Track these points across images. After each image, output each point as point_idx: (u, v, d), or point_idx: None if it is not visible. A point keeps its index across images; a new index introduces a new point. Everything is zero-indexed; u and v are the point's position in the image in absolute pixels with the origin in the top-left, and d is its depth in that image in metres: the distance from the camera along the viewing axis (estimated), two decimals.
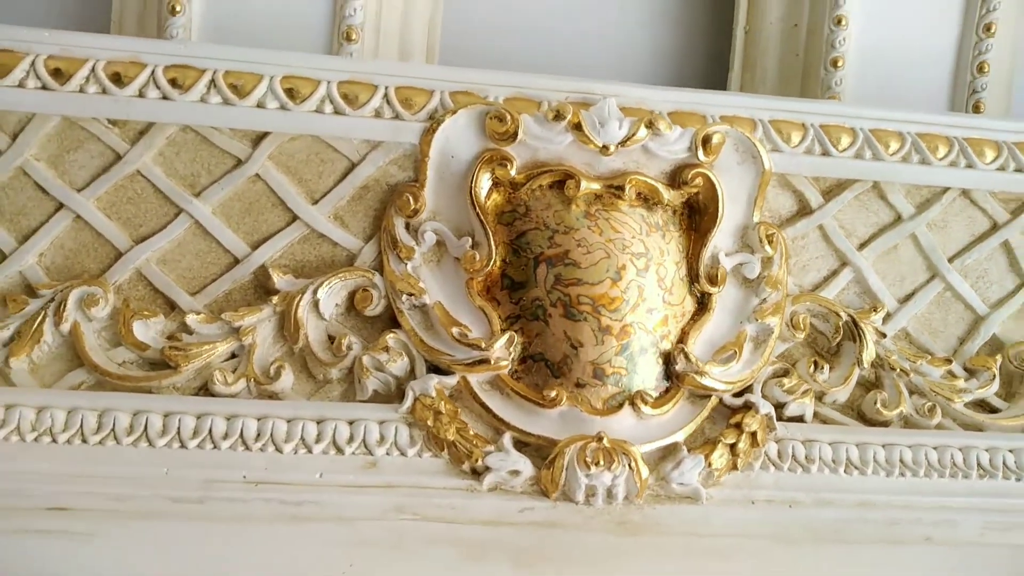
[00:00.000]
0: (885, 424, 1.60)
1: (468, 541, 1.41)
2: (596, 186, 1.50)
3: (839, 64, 1.96)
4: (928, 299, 1.69)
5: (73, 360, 1.43)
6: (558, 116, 1.48)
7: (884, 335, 1.63)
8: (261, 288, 1.50)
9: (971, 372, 1.67)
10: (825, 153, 1.61)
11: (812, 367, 1.59)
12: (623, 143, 1.49)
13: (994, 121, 1.70)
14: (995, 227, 1.71)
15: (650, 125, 1.50)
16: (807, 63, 2.05)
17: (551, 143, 1.49)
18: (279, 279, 1.48)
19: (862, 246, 1.66)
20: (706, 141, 1.52)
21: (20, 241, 1.46)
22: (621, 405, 1.46)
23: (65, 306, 1.42)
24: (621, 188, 1.51)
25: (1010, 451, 1.58)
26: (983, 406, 1.66)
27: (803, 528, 1.49)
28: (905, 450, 1.55)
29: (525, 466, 1.41)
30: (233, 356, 1.46)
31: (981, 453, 1.57)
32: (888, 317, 1.66)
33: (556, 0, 2.15)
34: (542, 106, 1.52)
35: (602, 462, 1.39)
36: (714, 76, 2.18)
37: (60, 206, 1.46)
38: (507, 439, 1.43)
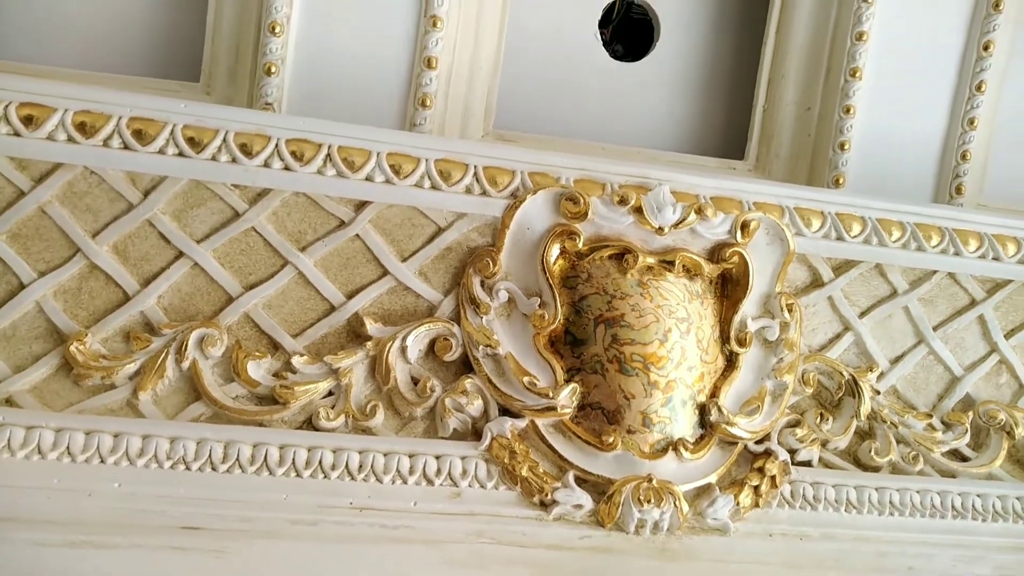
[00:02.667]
0: (877, 469, 1.87)
1: (537, 562, 1.63)
2: (651, 260, 1.74)
3: (846, 147, 2.23)
4: (915, 361, 1.96)
5: (191, 393, 1.62)
6: (622, 201, 1.71)
7: (878, 392, 1.91)
8: (353, 333, 1.70)
9: (947, 425, 1.95)
10: (839, 238, 1.88)
11: (819, 418, 1.85)
12: (675, 225, 1.73)
13: (979, 215, 1.99)
14: (973, 303, 2.00)
15: (699, 211, 1.74)
16: (817, 143, 2.32)
17: (615, 223, 1.73)
18: (371, 326, 1.68)
19: (863, 314, 1.93)
20: (744, 226, 1.78)
21: (143, 284, 1.63)
22: (665, 450, 1.69)
23: (186, 345, 1.60)
24: (671, 262, 1.75)
25: (978, 496, 1.86)
26: (956, 455, 1.94)
27: (810, 558, 1.74)
28: (894, 492, 1.82)
29: (586, 500, 1.65)
30: (330, 394, 1.66)
31: (955, 497, 1.85)
32: (881, 376, 1.93)
33: (596, 73, 2.37)
34: (606, 188, 1.75)
35: (652, 500, 1.64)
36: (733, 146, 2.42)
37: (180, 254, 1.65)
38: (571, 477, 1.65)
